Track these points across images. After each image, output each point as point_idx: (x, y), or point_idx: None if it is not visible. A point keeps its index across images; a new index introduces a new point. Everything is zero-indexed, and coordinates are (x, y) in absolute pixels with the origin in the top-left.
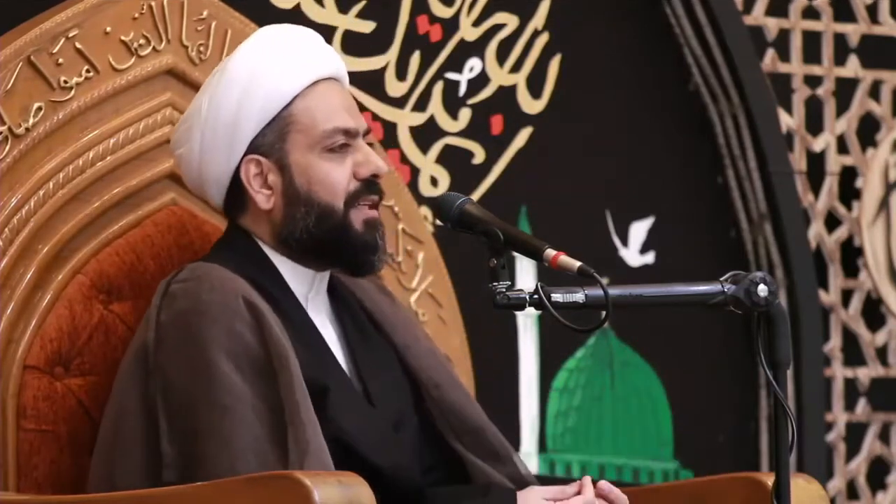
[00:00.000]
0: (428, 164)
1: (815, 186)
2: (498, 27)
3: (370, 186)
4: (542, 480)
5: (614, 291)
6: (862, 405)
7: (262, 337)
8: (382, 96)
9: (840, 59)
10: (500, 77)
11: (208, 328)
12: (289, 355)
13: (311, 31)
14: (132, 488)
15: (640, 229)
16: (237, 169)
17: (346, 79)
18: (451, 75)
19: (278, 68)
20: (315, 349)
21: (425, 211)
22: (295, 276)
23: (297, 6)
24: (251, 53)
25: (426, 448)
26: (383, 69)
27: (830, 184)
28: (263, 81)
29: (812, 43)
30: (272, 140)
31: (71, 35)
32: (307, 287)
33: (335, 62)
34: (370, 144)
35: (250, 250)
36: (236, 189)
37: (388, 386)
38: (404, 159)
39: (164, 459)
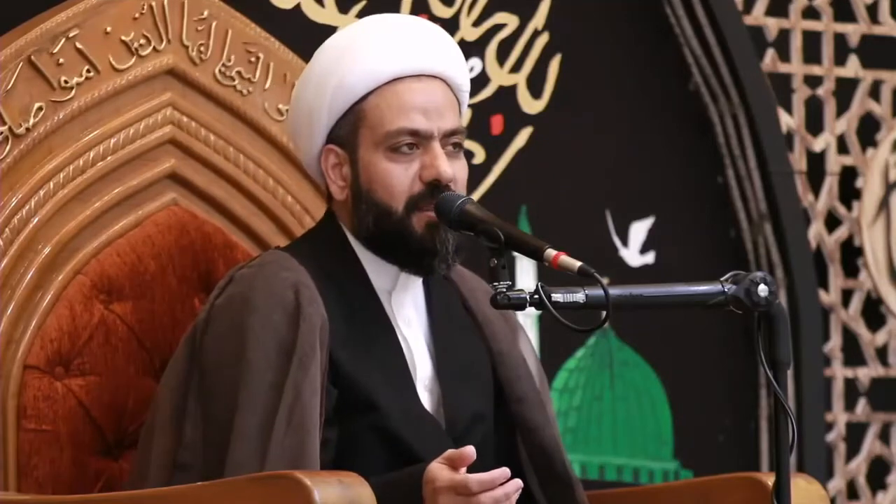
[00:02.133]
0: None
1: (815, 186)
2: (498, 27)
3: (434, 192)
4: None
5: (614, 291)
6: (862, 405)
7: (295, 330)
8: None
9: (840, 59)
10: (500, 77)
11: (248, 316)
12: (313, 355)
13: (422, 23)
14: (164, 466)
15: (640, 229)
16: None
17: (459, 77)
18: None
19: (354, 62)
20: (383, 350)
21: None
22: (378, 270)
23: (298, 6)
24: (336, 43)
25: (494, 455)
26: None
27: (830, 184)
28: (335, 75)
29: (812, 43)
30: (346, 133)
31: (71, 35)
32: (390, 283)
33: (434, 59)
34: (457, 146)
35: (334, 240)
36: (324, 177)
37: (465, 388)
38: None
39: (182, 440)
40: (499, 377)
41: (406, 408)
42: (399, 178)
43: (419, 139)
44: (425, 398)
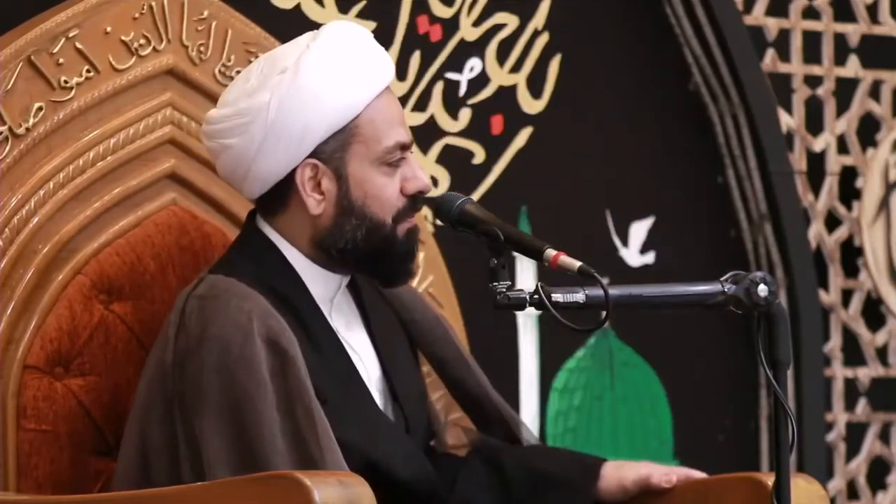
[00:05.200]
0: (428, 164)
1: (815, 186)
2: (498, 27)
3: (415, 203)
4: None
5: (614, 291)
6: (862, 405)
7: (286, 382)
8: None
9: (840, 59)
10: (500, 77)
11: (235, 370)
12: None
13: (370, 35)
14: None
15: (640, 229)
16: (292, 171)
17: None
18: (451, 75)
19: (352, 78)
20: (335, 364)
21: (425, 211)
22: (319, 280)
23: (298, 6)
24: (326, 59)
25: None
26: None
27: (830, 184)
28: (338, 91)
29: (812, 43)
30: (334, 148)
31: (71, 35)
32: (332, 291)
33: (392, 68)
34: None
35: (270, 257)
36: (281, 189)
37: (408, 376)
38: None
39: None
40: (419, 348)
41: (364, 416)
42: (392, 192)
43: (404, 151)
44: (378, 399)
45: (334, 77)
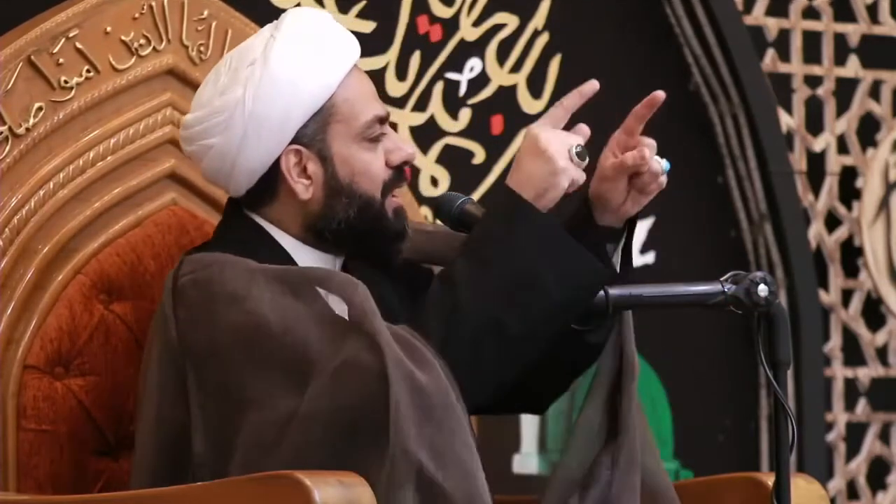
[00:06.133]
0: (428, 164)
1: (815, 186)
2: (498, 27)
3: (400, 174)
4: None
5: (614, 291)
6: (862, 405)
7: (309, 296)
8: (382, 96)
9: (840, 59)
10: (500, 77)
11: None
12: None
13: (330, 16)
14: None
15: (640, 229)
16: (276, 160)
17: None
18: (451, 75)
19: (321, 60)
20: None
21: (425, 211)
22: (312, 261)
23: (298, 6)
24: (293, 45)
25: None
26: (383, 69)
27: (830, 184)
28: (310, 74)
29: (812, 43)
30: (314, 131)
31: (71, 35)
32: None
33: (357, 46)
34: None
35: (260, 240)
36: (267, 179)
37: None
38: None
39: (195, 459)
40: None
41: None
42: (378, 166)
43: (382, 125)
44: None
45: (304, 61)
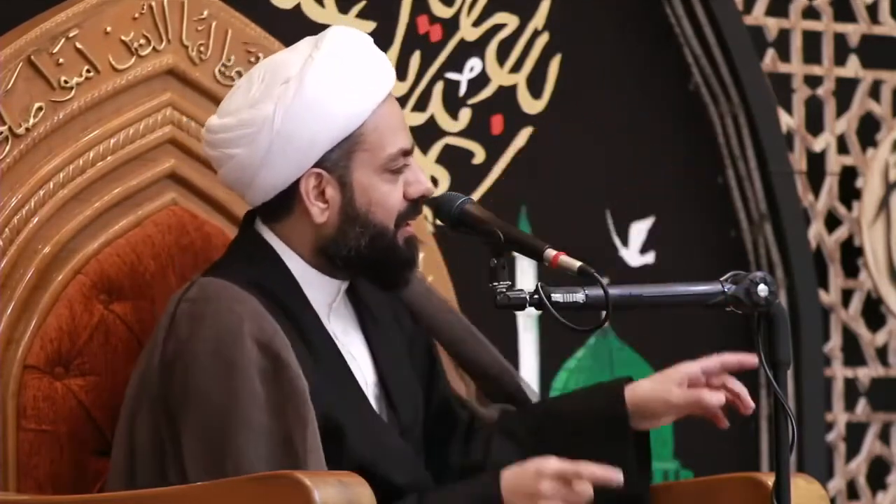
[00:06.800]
0: (428, 164)
1: (815, 186)
2: (498, 27)
3: (416, 207)
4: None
5: (614, 291)
6: (862, 405)
7: (277, 384)
8: None
9: (840, 59)
10: (500, 77)
11: (221, 376)
12: (306, 410)
13: (371, 40)
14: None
15: (640, 229)
16: (296, 179)
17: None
18: (451, 75)
19: (357, 87)
20: (332, 368)
21: (425, 211)
22: (319, 285)
23: (298, 6)
24: (330, 70)
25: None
26: None
27: (830, 184)
28: (344, 102)
29: (812, 43)
30: (338, 156)
31: (71, 35)
32: (331, 296)
33: (393, 73)
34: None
35: (268, 261)
36: (284, 196)
37: (404, 381)
38: None
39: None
40: (432, 342)
41: (360, 420)
42: (396, 198)
43: (407, 157)
44: (374, 403)
45: (339, 87)
